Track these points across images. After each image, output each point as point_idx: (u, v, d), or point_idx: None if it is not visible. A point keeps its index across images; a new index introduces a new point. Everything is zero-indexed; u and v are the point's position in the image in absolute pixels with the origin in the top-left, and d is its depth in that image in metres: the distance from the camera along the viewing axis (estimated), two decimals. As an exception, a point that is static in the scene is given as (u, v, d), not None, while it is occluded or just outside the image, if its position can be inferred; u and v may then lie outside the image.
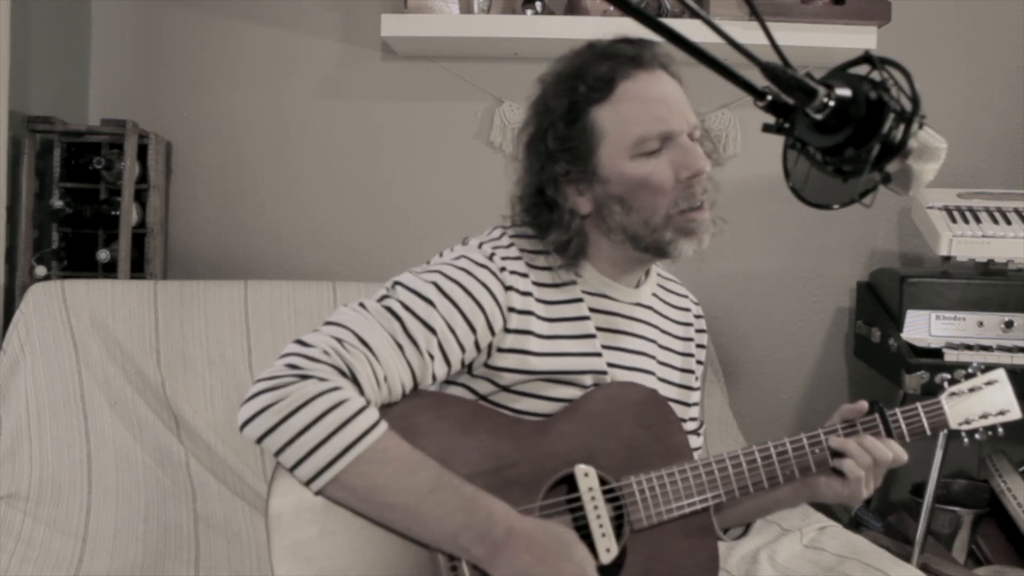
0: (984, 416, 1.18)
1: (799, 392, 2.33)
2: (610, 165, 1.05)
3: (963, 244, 1.95)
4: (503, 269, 1.06)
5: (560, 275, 1.10)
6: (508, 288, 1.05)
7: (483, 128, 2.29)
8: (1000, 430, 1.19)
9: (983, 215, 2.01)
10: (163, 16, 2.30)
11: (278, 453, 0.92)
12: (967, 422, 1.18)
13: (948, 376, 1.20)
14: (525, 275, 1.07)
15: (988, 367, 1.22)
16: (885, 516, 2.17)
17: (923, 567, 1.80)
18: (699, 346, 1.27)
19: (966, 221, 2.00)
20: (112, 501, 1.68)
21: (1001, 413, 1.19)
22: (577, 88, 1.05)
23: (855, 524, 2.09)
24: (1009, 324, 1.88)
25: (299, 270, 2.29)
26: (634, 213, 1.05)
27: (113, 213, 2.10)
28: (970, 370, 1.20)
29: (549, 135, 1.07)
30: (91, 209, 2.10)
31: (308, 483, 0.92)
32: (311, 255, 2.32)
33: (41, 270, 2.03)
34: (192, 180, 2.32)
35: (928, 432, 1.15)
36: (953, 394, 1.18)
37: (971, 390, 1.19)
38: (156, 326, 1.81)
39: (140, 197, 2.15)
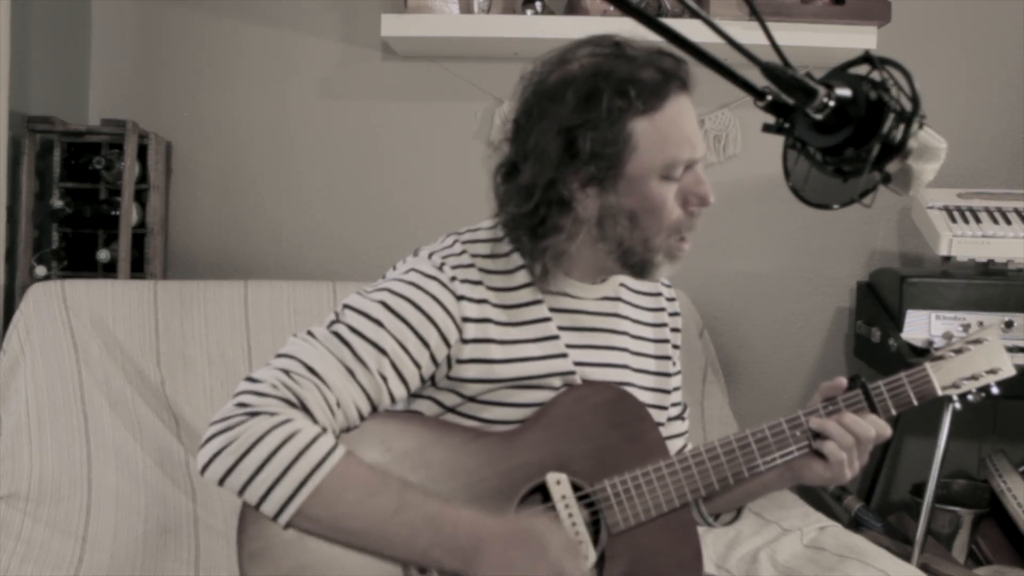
0: (973, 377, 1.11)
1: (799, 392, 2.33)
2: (636, 179, 1.00)
3: (963, 244, 1.95)
4: (454, 279, 1.03)
5: (516, 278, 1.07)
6: (460, 298, 1.03)
7: (483, 128, 2.29)
8: (994, 389, 1.12)
9: (983, 215, 2.01)
10: (163, 16, 2.29)
11: (240, 492, 0.93)
12: (954, 386, 1.11)
13: (937, 347, 1.15)
14: (479, 282, 1.05)
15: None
16: (885, 516, 2.17)
17: (923, 567, 1.80)
18: (674, 330, 1.23)
19: (966, 221, 2.00)
20: (112, 501, 1.68)
21: (991, 372, 1.12)
22: (626, 92, 0.98)
23: (855, 524, 2.09)
24: (1009, 324, 1.88)
25: (299, 270, 2.29)
26: (638, 231, 1.02)
27: (113, 213, 2.10)
28: (956, 337, 1.15)
29: (585, 132, 0.98)
30: (91, 209, 2.10)
31: (275, 518, 0.93)
32: (311, 255, 2.32)
33: (41, 270, 2.03)
34: (192, 180, 2.31)
35: (915, 402, 1.10)
36: (937, 359, 1.12)
37: (957, 352, 1.12)
38: (156, 326, 1.81)
39: (140, 197, 2.15)
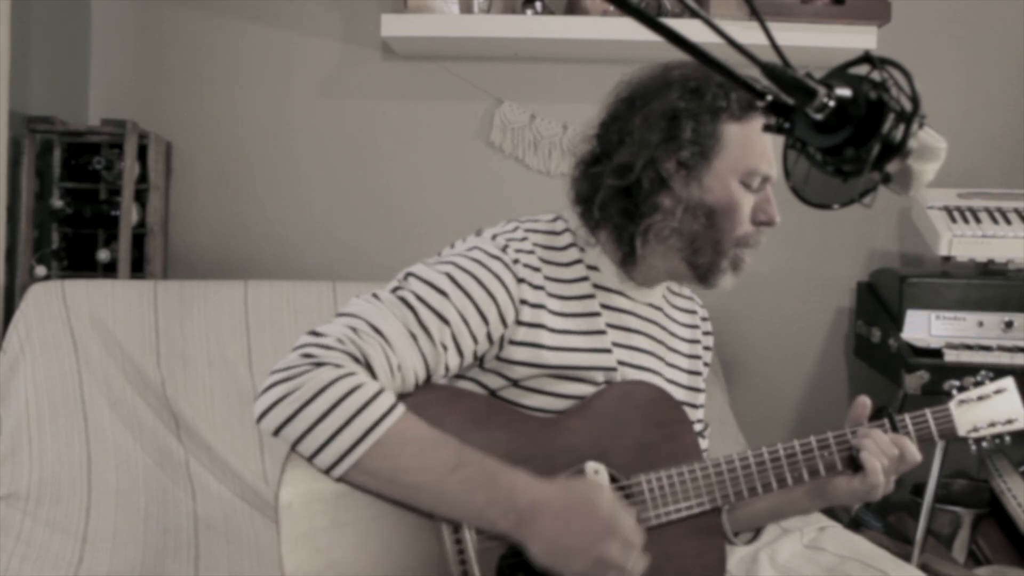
0: (992, 424, 1.17)
1: (799, 392, 2.33)
2: (720, 177, 1.06)
3: (963, 244, 1.96)
4: (516, 261, 1.06)
5: (573, 270, 1.11)
6: (520, 280, 1.05)
7: (483, 128, 2.29)
8: (1007, 439, 1.18)
9: (983, 215, 2.01)
10: (163, 16, 2.30)
11: (296, 443, 0.93)
12: (975, 430, 1.16)
13: (957, 383, 1.18)
14: (538, 269, 1.08)
15: (998, 373, 1.20)
16: (885, 516, 2.17)
17: (923, 567, 1.80)
18: (705, 348, 1.28)
19: (966, 221, 2.00)
20: (112, 501, 1.68)
21: (1009, 422, 1.17)
22: (727, 94, 1.06)
23: (855, 524, 2.09)
24: (1009, 324, 1.88)
25: (299, 270, 2.29)
26: (712, 231, 1.07)
27: (113, 213, 2.10)
28: (979, 377, 1.19)
29: (688, 118, 1.05)
30: (91, 209, 2.11)
31: (329, 470, 0.93)
32: (311, 255, 2.32)
33: (41, 270, 2.03)
34: (192, 180, 2.31)
35: (936, 439, 1.15)
36: (962, 401, 1.17)
37: (980, 398, 1.18)
38: (156, 326, 1.81)
39: (140, 197, 2.15)
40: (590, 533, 0.94)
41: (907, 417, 1.13)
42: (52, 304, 1.78)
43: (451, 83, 2.28)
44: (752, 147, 1.07)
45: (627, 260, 1.11)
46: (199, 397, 1.79)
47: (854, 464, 1.08)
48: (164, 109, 2.29)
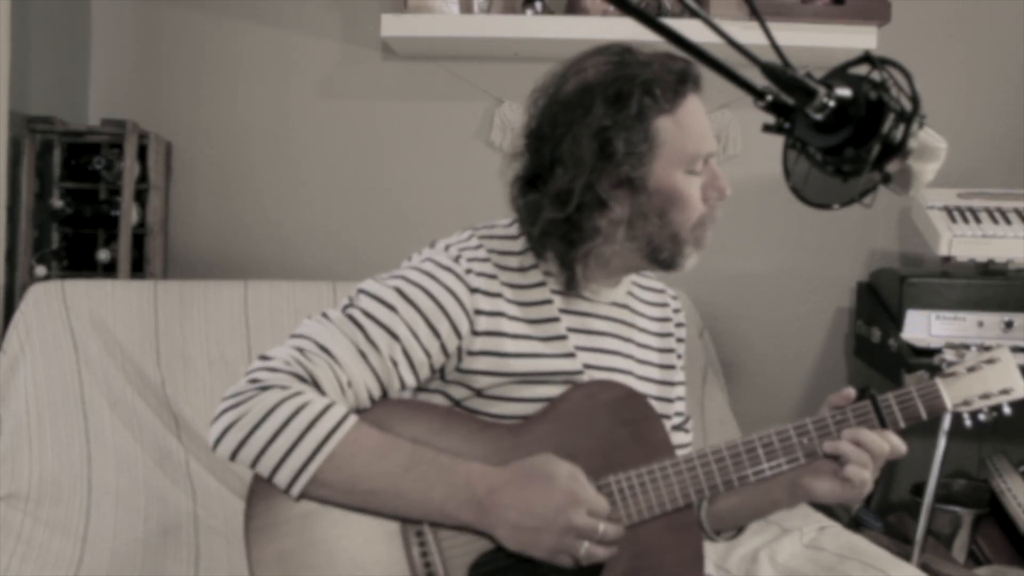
0: (985, 396, 1.11)
1: (799, 392, 2.33)
2: (663, 177, 1.04)
3: (963, 244, 1.95)
4: (469, 271, 1.05)
5: (530, 276, 1.09)
6: (474, 290, 1.04)
7: (483, 128, 2.29)
8: (1007, 409, 1.11)
9: (983, 215, 2.01)
10: (163, 16, 2.30)
11: (252, 465, 0.94)
12: (966, 403, 1.10)
13: (947, 359, 1.13)
14: (493, 276, 1.06)
15: (987, 350, 1.14)
16: (885, 516, 2.17)
17: (923, 567, 1.80)
18: (679, 340, 1.25)
19: (966, 221, 2.00)
20: (112, 501, 1.68)
21: (1004, 392, 1.11)
22: (652, 92, 1.02)
23: (855, 524, 2.09)
24: (1009, 324, 1.88)
25: (299, 270, 2.29)
26: (667, 227, 1.05)
27: (113, 213, 2.10)
28: (969, 352, 1.14)
29: (618, 133, 1.01)
30: (91, 209, 2.11)
31: (287, 489, 0.94)
32: (311, 255, 2.32)
33: (41, 270, 2.03)
34: (192, 180, 2.31)
35: (924, 416, 1.08)
36: (950, 375, 1.12)
37: (969, 369, 1.12)
38: (156, 326, 1.81)
39: (140, 197, 2.15)
40: (552, 506, 0.94)
41: (891, 397, 1.08)
42: (52, 304, 1.78)
43: (451, 83, 2.28)
44: (688, 133, 1.04)
45: (570, 283, 1.08)
46: (199, 397, 1.79)
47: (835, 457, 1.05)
48: (164, 109, 2.29)
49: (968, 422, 1.13)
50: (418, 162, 2.31)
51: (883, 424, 1.07)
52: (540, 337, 1.07)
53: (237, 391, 0.96)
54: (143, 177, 2.15)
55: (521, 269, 1.09)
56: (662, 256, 1.07)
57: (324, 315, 1.03)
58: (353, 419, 0.95)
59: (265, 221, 2.32)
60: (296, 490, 0.94)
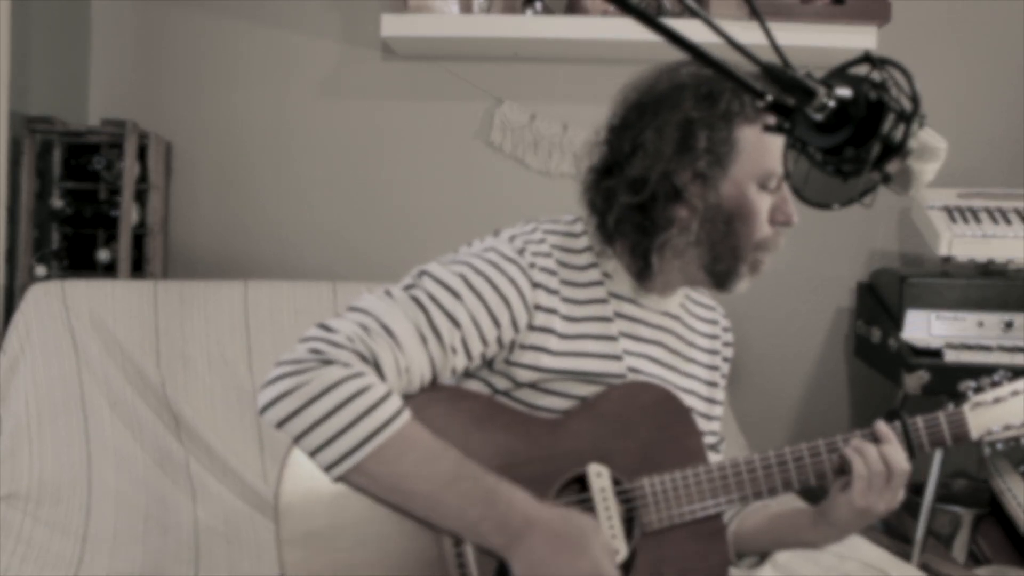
0: (1007, 427, 1.12)
1: (799, 392, 2.33)
2: (737, 183, 1.04)
3: (963, 244, 1.95)
4: (532, 265, 1.04)
5: (587, 274, 1.09)
6: (536, 285, 1.04)
7: (483, 128, 2.29)
8: (1023, 442, 1.13)
9: (983, 215, 2.01)
10: (163, 16, 2.30)
11: (299, 438, 0.92)
12: (989, 433, 1.12)
13: (974, 384, 1.14)
14: (555, 272, 1.06)
15: (1016, 374, 1.15)
16: (885, 516, 2.17)
17: (923, 567, 1.80)
18: (725, 359, 1.25)
19: (966, 221, 2.00)
20: (112, 501, 1.68)
21: None
22: (739, 97, 1.03)
23: (855, 524, 2.09)
24: (1009, 324, 1.88)
25: (299, 270, 2.29)
26: (731, 236, 1.05)
27: (113, 213, 2.10)
28: (996, 377, 1.14)
29: (702, 127, 1.03)
30: (91, 209, 2.11)
31: (328, 469, 0.92)
32: (311, 255, 2.32)
33: (41, 270, 2.03)
34: (192, 180, 2.32)
35: (949, 443, 1.10)
36: (977, 404, 1.13)
37: (996, 400, 1.13)
38: (156, 326, 1.81)
39: (140, 197, 2.15)
40: (575, 569, 0.93)
41: (920, 421, 1.09)
42: (52, 304, 1.78)
43: (451, 83, 2.28)
44: (767, 148, 1.04)
45: (644, 273, 1.09)
46: (199, 397, 1.79)
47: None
48: (164, 109, 2.29)
49: (987, 451, 1.14)
50: (418, 162, 2.31)
51: (910, 446, 1.08)
52: (591, 335, 1.07)
53: (297, 358, 0.93)
54: (143, 177, 2.15)
55: (581, 267, 1.09)
56: (719, 267, 1.06)
57: (387, 292, 1.01)
58: (408, 414, 0.94)
59: (265, 221, 2.32)
60: (338, 472, 0.92)
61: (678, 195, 1.04)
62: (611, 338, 1.08)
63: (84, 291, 1.81)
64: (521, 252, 1.05)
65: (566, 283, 1.07)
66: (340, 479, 0.93)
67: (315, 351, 0.94)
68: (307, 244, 2.32)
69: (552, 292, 1.05)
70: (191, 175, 2.31)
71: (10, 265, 2.02)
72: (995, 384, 1.14)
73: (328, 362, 0.93)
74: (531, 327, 1.04)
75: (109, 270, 2.10)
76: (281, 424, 0.92)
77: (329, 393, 0.91)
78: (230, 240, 2.32)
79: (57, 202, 2.07)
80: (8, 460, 1.68)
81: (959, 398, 1.14)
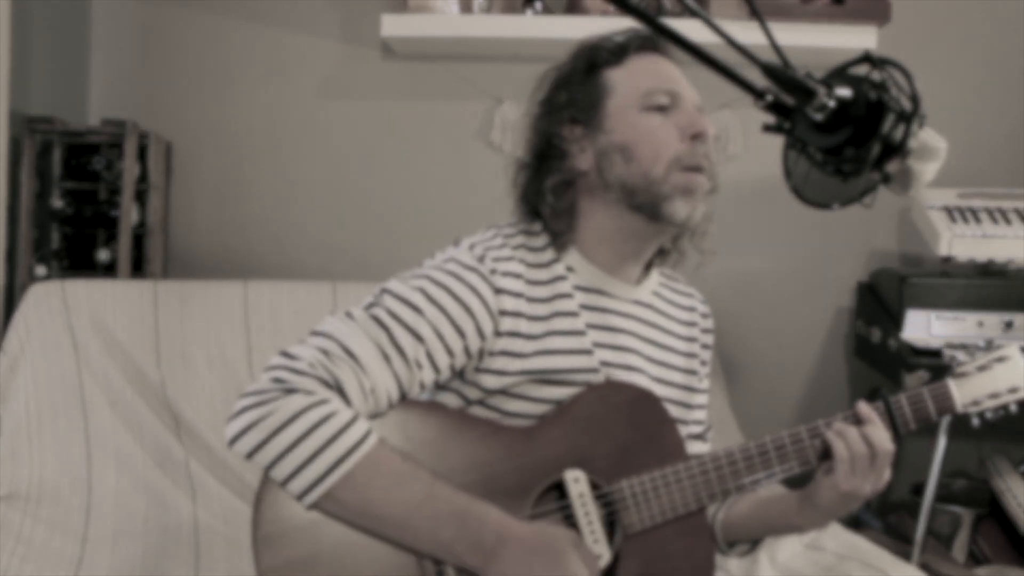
0: (994, 395, 1.10)
1: (799, 392, 2.33)
2: (616, 114, 1.06)
3: (963, 244, 1.95)
4: (494, 271, 1.03)
5: (552, 270, 1.08)
6: (499, 291, 1.03)
7: (483, 128, 2.29)
8: (1013, 407, 1.10)
9: (983, 215, 2.01)
10: (163, 16, 2.30)
11: (268, 468, 0.92)
12: (975, 403, 1.10)
13: (959, 358, 1.13)
14: (518, 275, 1.05)
15: (998, 348, 1.13)
16: (885, 516, 2.17)
17: (923, 567, 1.80)
18: (704, 346, 1.23)
19: (966, 221, 2.00)
20: (112, 501, 1.68)
21: (1012, 391, 1.10)
22: (596, 53, 1.09)
23: (855, 524, 2.09)
24: (1009, 324, 1.88)
25: (299, 270, 2.29)
26: (634, 164, 1.04)
27: (113, 213, 2.10)
28: (981, 349, 1.14)
29: (560, 93, 1.10)
30: (91, 209, 2.11)
31: (300, 497, 0.92)
32: (311, 255, 2.32)
33: (41, 270, 2.03)
34: (192, 180, 2.32)
35: (935, 418, 1.08)
36: (961, 375, 1.11)
37: (979, 368, 1.11)
38: (156, 326, 1.81)
39: (140, 197, 2.15)
40: None
41: (903, 398, 1.08)
42: (52, 304, 1.78)
43: (451, 83, 2.28)
44: (639, 76, 1.07)
45: (561, 240, 1.10)
46: (199, 397, 1.79)
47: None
48: (164, 109, 2.29)
49: (975, 421, 1.12)
50: (418, 162, 2.31)
51: (894, 424, 1.07)
52: (558, 332, 1.06)
53: (260, 389, 0.93)
54: (143, 177, 2.15)
55: (543, 264, 1.08)
56: (639, 200, 1.04)
57: (348, 314, 1.00)
58: (375, 438, 0.93)
59: (265, 221, 2.32)
60: (309, 500, 0.92)
61: (564, 153, 1.08)
62: (579, 333, 1.07)
63: (84, 291, 1.81)
64: (481, 259, 1.04)
65: (530, 283, 1.06)
66: (313, 507, 0.93)
67: (277, 380, 0.93)
68: (307, 244, 2.32)
69: (516, 295, 1.04)
70: (191, 175, 2.31)
71: (10, 265, 2.02)
72: (980, 351, 1.13)
73: (291, 391, 0.92)
74: (497, 333, 1.03)
75: (109, 270, 2.10)
76: (250, 455, 0.92)
77: (293, 423, 0.91)
78: (230, 240, 2.32)
79: (57, 202, 2.07)
80: (8, 460, 1.68)
81: (943, 371, 1.12)
